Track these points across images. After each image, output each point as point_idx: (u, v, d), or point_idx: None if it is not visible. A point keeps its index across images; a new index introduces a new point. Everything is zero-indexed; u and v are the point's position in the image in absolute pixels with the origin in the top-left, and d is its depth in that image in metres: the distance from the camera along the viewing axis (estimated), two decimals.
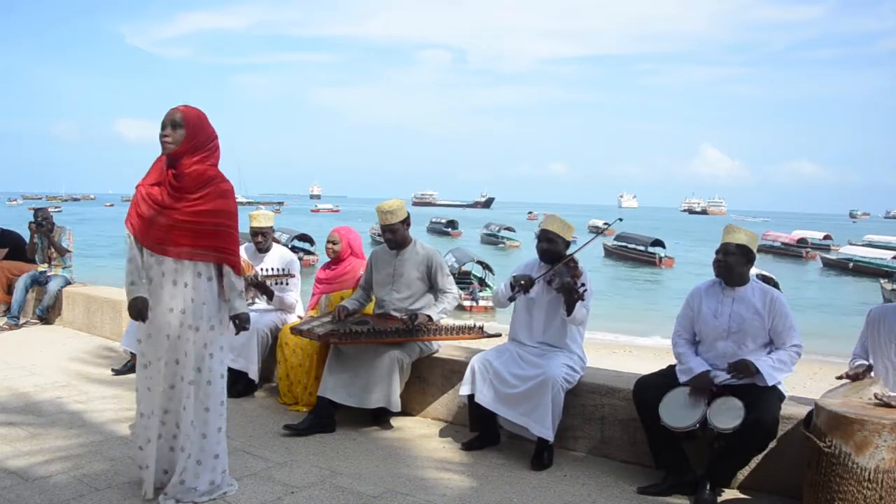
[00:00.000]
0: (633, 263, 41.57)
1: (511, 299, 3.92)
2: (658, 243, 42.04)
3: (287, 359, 4.62)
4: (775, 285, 21.15)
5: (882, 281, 30.55)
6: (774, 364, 3.30)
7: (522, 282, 3.80)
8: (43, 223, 7.29)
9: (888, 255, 38.76)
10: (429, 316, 4.24)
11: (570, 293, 3.66)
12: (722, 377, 3.37)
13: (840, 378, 3.48)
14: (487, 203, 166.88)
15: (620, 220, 4.96)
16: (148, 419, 3.07)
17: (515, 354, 3.91)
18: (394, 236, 4.39)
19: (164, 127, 2.98)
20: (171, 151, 2.98)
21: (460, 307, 23.29)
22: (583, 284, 3.70)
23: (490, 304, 23.42)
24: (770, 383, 3.27)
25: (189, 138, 2.98)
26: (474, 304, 23.77)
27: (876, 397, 2.96)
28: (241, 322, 3.14)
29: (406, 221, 4.42)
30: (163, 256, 3.02)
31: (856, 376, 3.37)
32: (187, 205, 2.98)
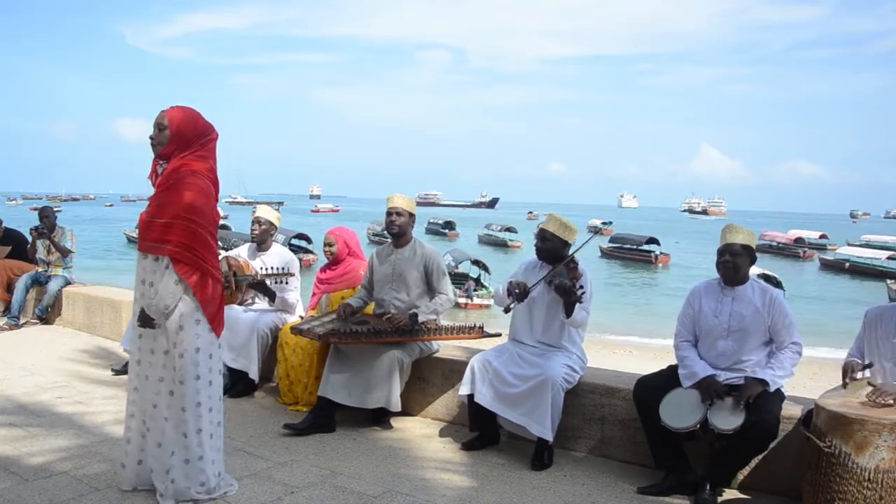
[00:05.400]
0: (629, 263, 41.61)
1: (507, 310, 3.90)
2: (653, 241, 42.10)
3: (287, 358, 4.62)
4: (777, 285, 21.19)
5: (889, 281, 31.37)
6: (776, 373, 3.32)
7: (517, 290, 3.80)
8: (44, 222, 7.27)
9: (883, 255, 39.04)
10: (412, 315, 4.20)
11: (568, 295, 3.66)
12: (723, 377, 3.37)
13: (844, 387, 3.49)
14: (492, 203, 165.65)
15: (610, 222, 4.96)
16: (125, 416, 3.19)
17: (515, 354, 3.90)
18: (398, 219, 4.40)
19: (152, 129, 3.03)
20: (158, 152, 3.02)
21: (455, 305, 23.43)
22: (581, 287, 3.69)
23: (485, 302, 23.51)
24: (774, 388, 3.28)
25: (174, 138, 2.98)
26: (469, 300, 23.89)
27: (867, 398, 2.96)
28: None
29: (412, 217, 4.47)
30: (141, 253, 3.06)
31: (852, 373, 3.38)
32: (162, 202, 2.98)
